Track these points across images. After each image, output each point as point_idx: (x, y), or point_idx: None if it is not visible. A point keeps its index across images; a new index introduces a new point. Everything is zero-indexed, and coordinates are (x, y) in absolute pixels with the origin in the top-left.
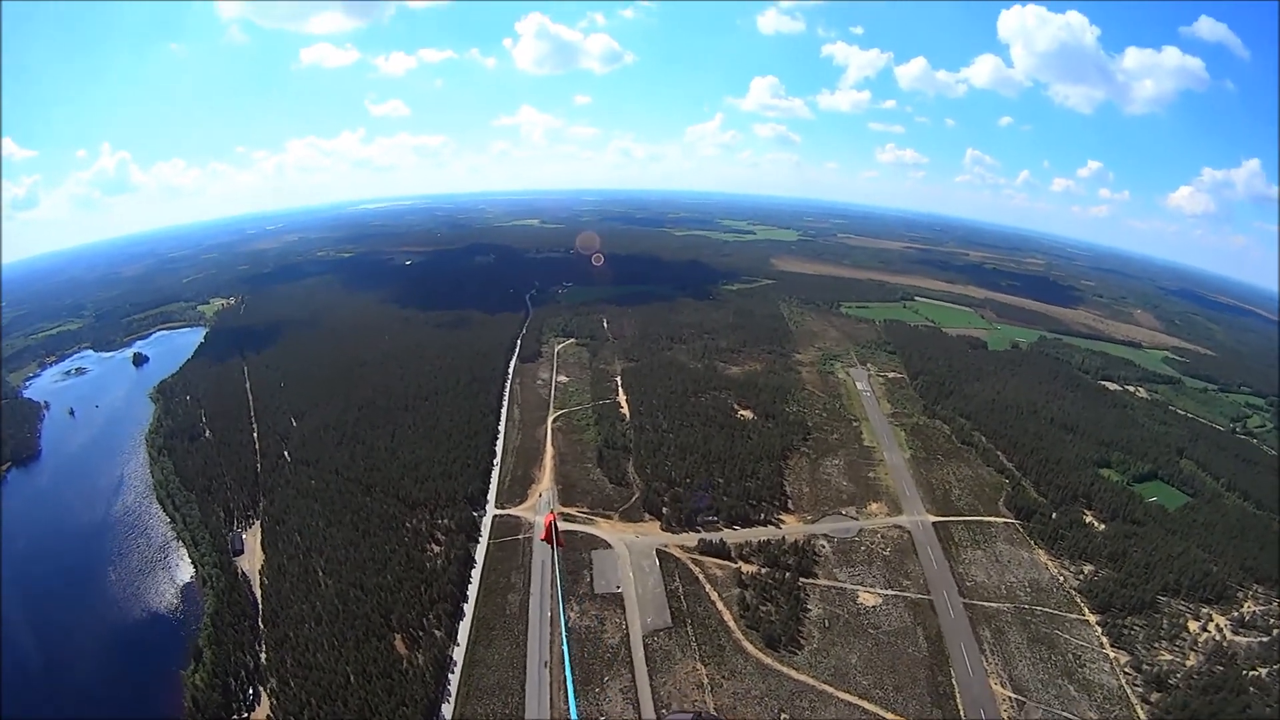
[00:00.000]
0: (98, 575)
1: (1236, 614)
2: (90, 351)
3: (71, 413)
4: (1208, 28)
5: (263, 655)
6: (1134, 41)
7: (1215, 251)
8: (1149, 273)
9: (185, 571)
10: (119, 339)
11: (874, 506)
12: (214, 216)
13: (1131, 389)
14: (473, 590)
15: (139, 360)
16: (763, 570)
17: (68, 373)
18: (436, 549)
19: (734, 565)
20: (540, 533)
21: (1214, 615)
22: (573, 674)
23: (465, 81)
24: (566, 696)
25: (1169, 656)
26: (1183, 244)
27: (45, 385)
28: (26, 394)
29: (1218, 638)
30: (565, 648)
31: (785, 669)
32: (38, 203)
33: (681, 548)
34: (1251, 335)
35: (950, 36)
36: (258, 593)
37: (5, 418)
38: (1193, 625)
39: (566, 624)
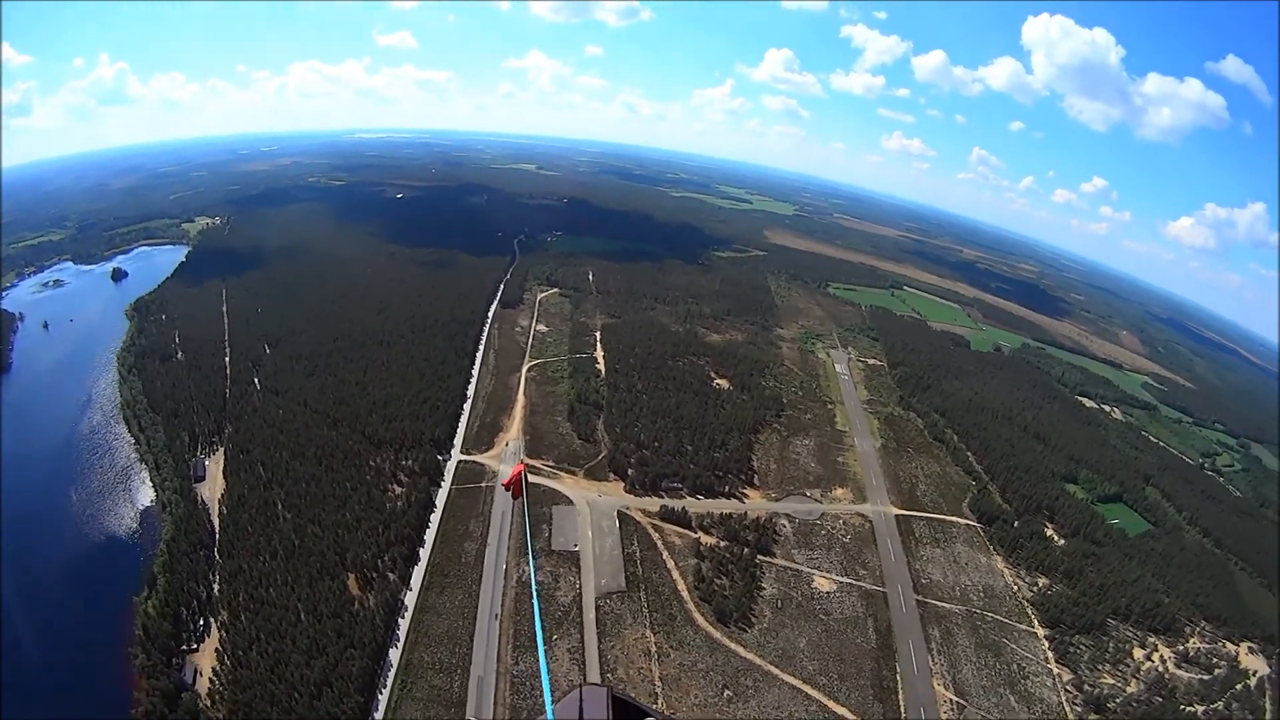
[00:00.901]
0: (58, 495)
1: (1182, 647)
2: (70, 264)
3: (45, 326)
4: (1234, 68)
5: (216, 586)
6: (1158, 68)
7: (1208, 286)
8: (1140, 296)
9: (146, 495)
10: (100, 253)
11: (839, 491)
12: (210, 133)
13: (1107, 408)
14: (430, 535)
15: (118, 276)
16: (722, 543)
17: (46, 284)
18: (398, 490)
19: (694, 535)
20: (505, 479)
21: (1159, 646)
22: (530, 631)
23: (477, 19)
24: (529, 653)
25: (1111, 680)
26: (1177, 273)
27: (22, 296)
28: (3, 305)
29: (1160, 668)
30: (536, 603)
31: (733, 645)
32: (31, 110)
33: (643, 511)
34: (1232, 374)
35: (973, 35)
36: (216, 522)
37: None
38: (1138, 653)
39: (537, 583)
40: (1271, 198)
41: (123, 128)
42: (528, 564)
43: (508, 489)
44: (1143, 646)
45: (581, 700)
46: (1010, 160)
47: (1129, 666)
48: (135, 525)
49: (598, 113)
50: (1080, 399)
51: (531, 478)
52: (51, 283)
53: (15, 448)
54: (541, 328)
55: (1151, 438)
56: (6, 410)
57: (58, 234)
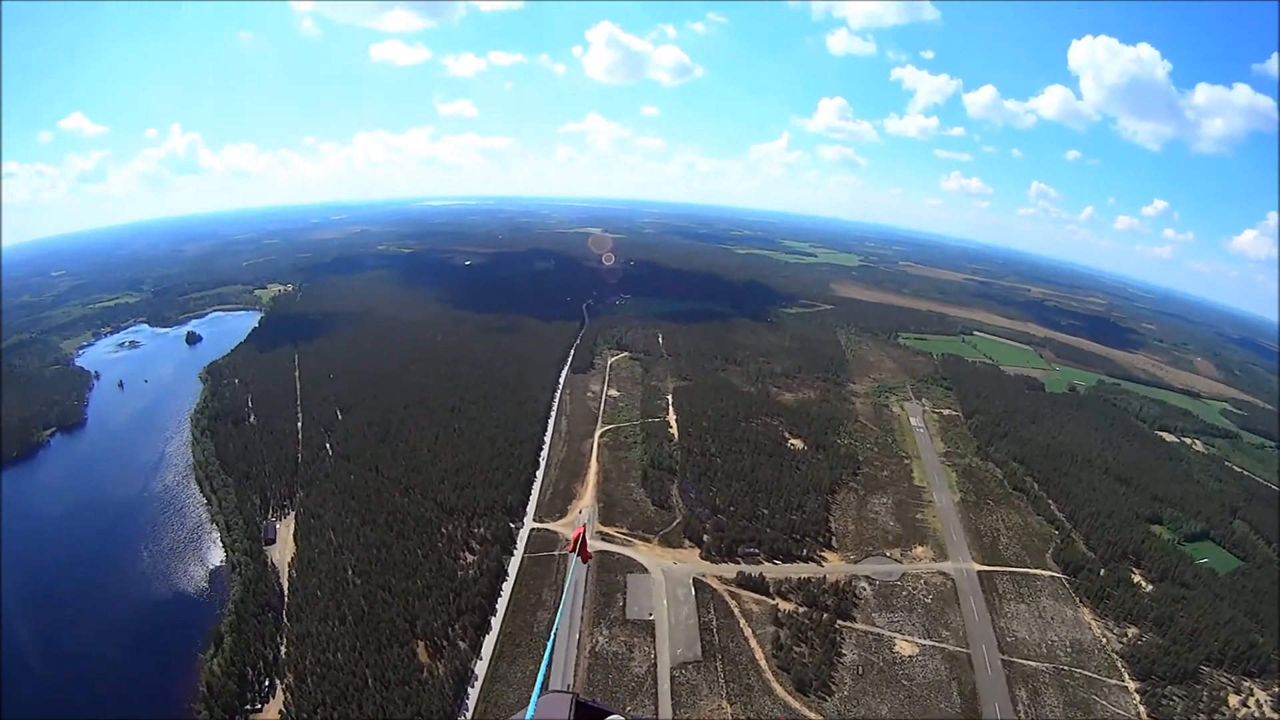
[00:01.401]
0: (130, 549)
1: (1277, 689)
2: (146, 326)
3: (120, 385)
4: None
5: (283, 649)
6: (1205, 78)
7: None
8: (1210, 318)
9: (216, 555)
10: (175, 316)
11: (919, 550)
12: (281, 202)
13: (1188, 441)
14: (502, 604)
15: (192, 339)
16: (800, 609)
17: (121, 345)
18: (470, 558)
19: (771, 601)
20: (569, 545)
21: (1255, 690)
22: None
23: (534, 86)
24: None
25: None
26: (1244, 289)
27: (98, 355)
28: (79, 362)
29: (1257, 714)
30: (556, 622)
31: (813, 715)
32: (106, 176)
33: (719, 578)
34: None
35: (1021, 65)
36: (285, 584)
37: (56, 384)
38: (1233, 699)
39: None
40: None
41: (195, 196)
42: (601, 634)
43: (571, 551)
44: (1238, 692)
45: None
46: (1069, 190)
47: (1224, 715)
48: (204, 584)
49: (657, 172)
50: (1160, 433)
51: (606, 545)
52: (128, 343)
53: (88, 500)
54: (613, 392)
55: (1235, 467)
56: (81, 463)
57: (133, 296)
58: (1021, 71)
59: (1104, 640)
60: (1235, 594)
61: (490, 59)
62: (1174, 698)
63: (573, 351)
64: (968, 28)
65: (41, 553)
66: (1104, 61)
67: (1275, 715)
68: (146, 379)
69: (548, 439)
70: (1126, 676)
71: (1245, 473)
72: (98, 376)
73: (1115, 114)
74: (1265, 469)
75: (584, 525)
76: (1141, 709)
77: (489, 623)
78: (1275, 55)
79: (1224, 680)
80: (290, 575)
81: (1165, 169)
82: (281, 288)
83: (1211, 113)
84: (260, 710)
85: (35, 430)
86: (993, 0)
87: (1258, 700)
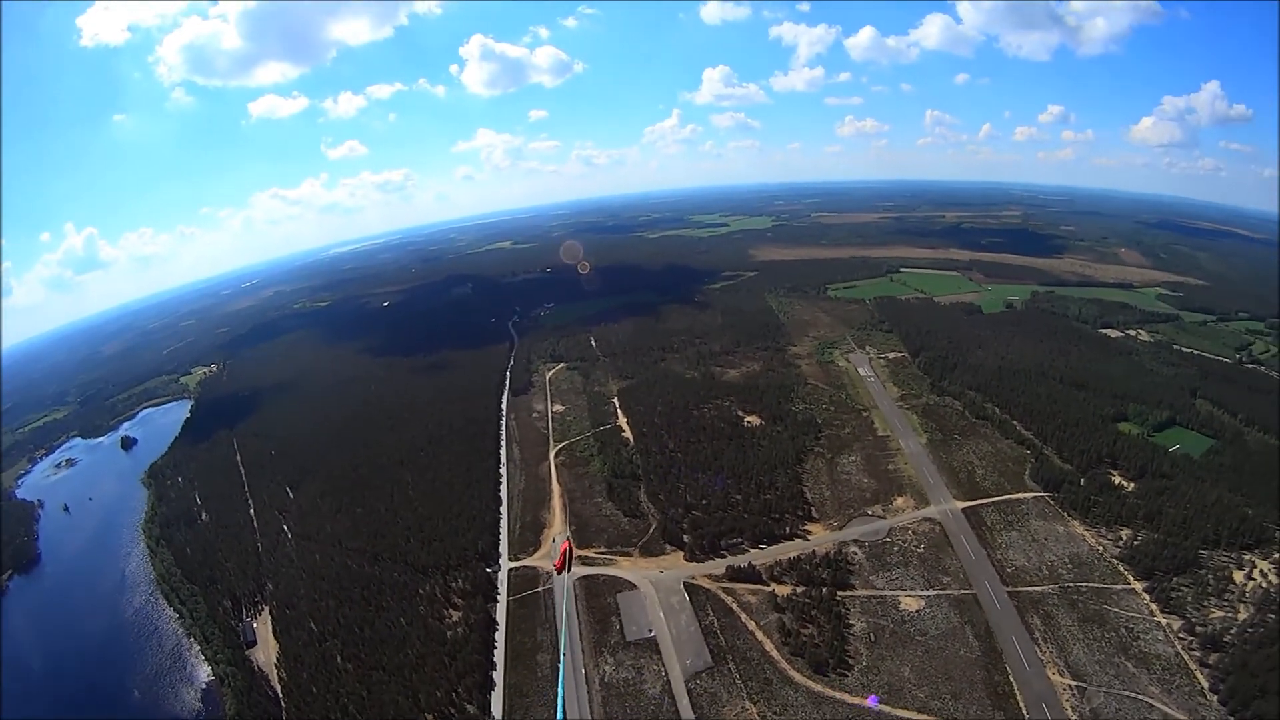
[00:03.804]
0: (114, 685)
1: (1278, 556)
2: (79, 439)
3: (66, 509)
4: None
5: None
6: None
7: (1185, 177)
8: (1126, 209)
9: (202, 670)
10: (106, 423)
11: (899, 501)
12: (190, 279)
13: (1133, 333)
14: (499, 655)
15: (127, 444)
16: (798, 590)
17: (58, 465)
18: (455, 615)
19: (767, 589)
20: (557, 561)
21: (1256, 561)
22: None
23: (418, 112)
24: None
25: (1220, 614)
26: (1152, 175)
27: (37, 482)
28: (19, 494)
29: (1264, 585)
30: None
31: (838, 694)
32: (10, 291)
33: (709, 577)
34: (1236, 259)
35: (896, 1)
36: (277, 687)
37: (2, 522)
38: (1238, 575)
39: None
40: (1224, 73)
41: (103, 292)
42: (606, 662)
43: (560, 571)
44: (1240, 567)
45: None
46: (963, 114)
47: (1233, 593)
48: (199, 705)
49: (557, 174)
50: (1104, 332)
51: (587, 569)
52: (64, 463)
53: (62, 642)
54: (558, 408)
55: (1184, 349)
56: (43, 604)
57: (61, 411)
58: (898, 7)
59: (1100, 549)
60: (1215, 473)
61: (369, 93)
62: (1182, 588)
63: (509, 373)
64: None
65: (27, 705)
66: None
67: None
68: (91, 497)
69: (503, 471)
70: (1131, 579)
71: (1195, 352)
72: (42, 505)
73: (997, 32)
74: (1213, 344)
75: (568, 540)
76: (1154, 606)
77: (491, 679)
78: None
79: (1224, 559)
80: (281, 676)
81: (1055, 76)
82: (206, 370)
83: (1093, 14)
84: None
85: None
86: None
87: (1261, 570)
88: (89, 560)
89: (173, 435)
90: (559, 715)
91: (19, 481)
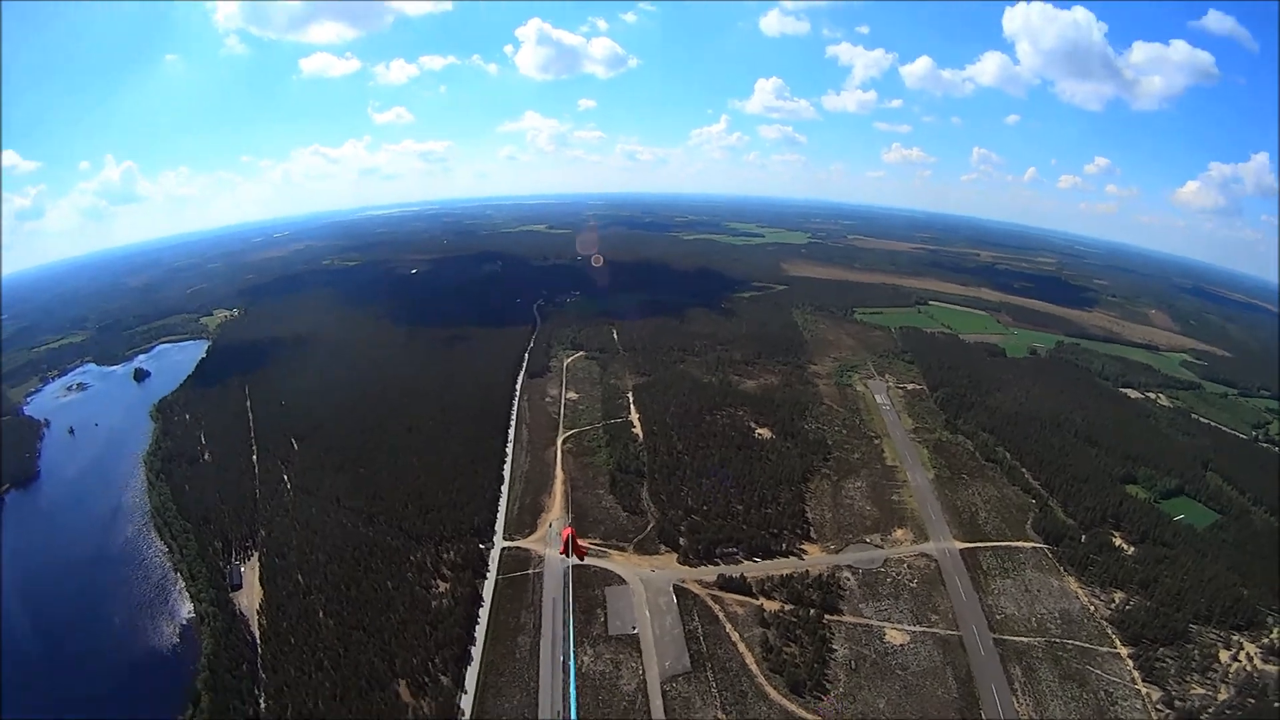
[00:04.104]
0: (95, 610)
1: (1266, 641)
2: (93, 365)
3: (71, 431)
4: (1216, 21)
5: (262, 702)
6: (1142, 36)
7: (1224, 245)
8: (1160, 269)
9: (184, 607)
10: (121, 353)
11: (899, 533)
12: (223, 224)
13: (1152, 395)
14: (480, 632)
15: (140, 376)
16: (786, 607)
17: (69, 388)
18: (442, 586)
19: (756, 602)
20: (561, 547)
21: (1244, 643)
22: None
23: (468, 88)
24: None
25: (1201, 690)
26: (1191, 238)
27: (46, 402)
28: (27, 411)
29: (1249, 668)
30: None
31: (810, 717)
32: (43, 214)
33: (700, 583)
34: (1265, 333)
35: (955, 34)
36: (257, 633)
37: (6, 436)
38: (1224, 655)
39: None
40: (1272, 145)
41: (135, 225)
42: (585, 653)
43: (566, 555)
44: (1228, 647)
45: None
46: (1010, 154)
47: (1217, 672)
48: (177, 640)
49: (598, 165)
50: (1124, 390)
51: (580, 560)
52: (75, 386)
53: (47, 561)
54: (572, 395)
55: (1201, 418)
56: (37, 520)
57: (78, 336)
58: (957, 41)
59: (1092, 608)
60: (1216, 548)
61: (422, 64)
62: (1166, 659)
63: (527, 355)
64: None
65: (6, 622)
66: (1039, 26)
67: (1266, 667)
68: (97, 423)
69: (509, 451)
70: (1118, 643)
71: (1212, 423)
72: (48, 425)
73: (1053, 77)
74: (1231, 418)
75: (570, 525)
76: (1136, 674)
77: (469, 653)
78: (1211, 10)
79: (1214, 637)
80: (261, 623)
81: (1106, 127)
82: (227, 313)
83: (1150, 70)
84: None
85: None
86: None
87: (1248, 653)
88: (87, 483)
89: (186, 373)
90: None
91: (28, 399)
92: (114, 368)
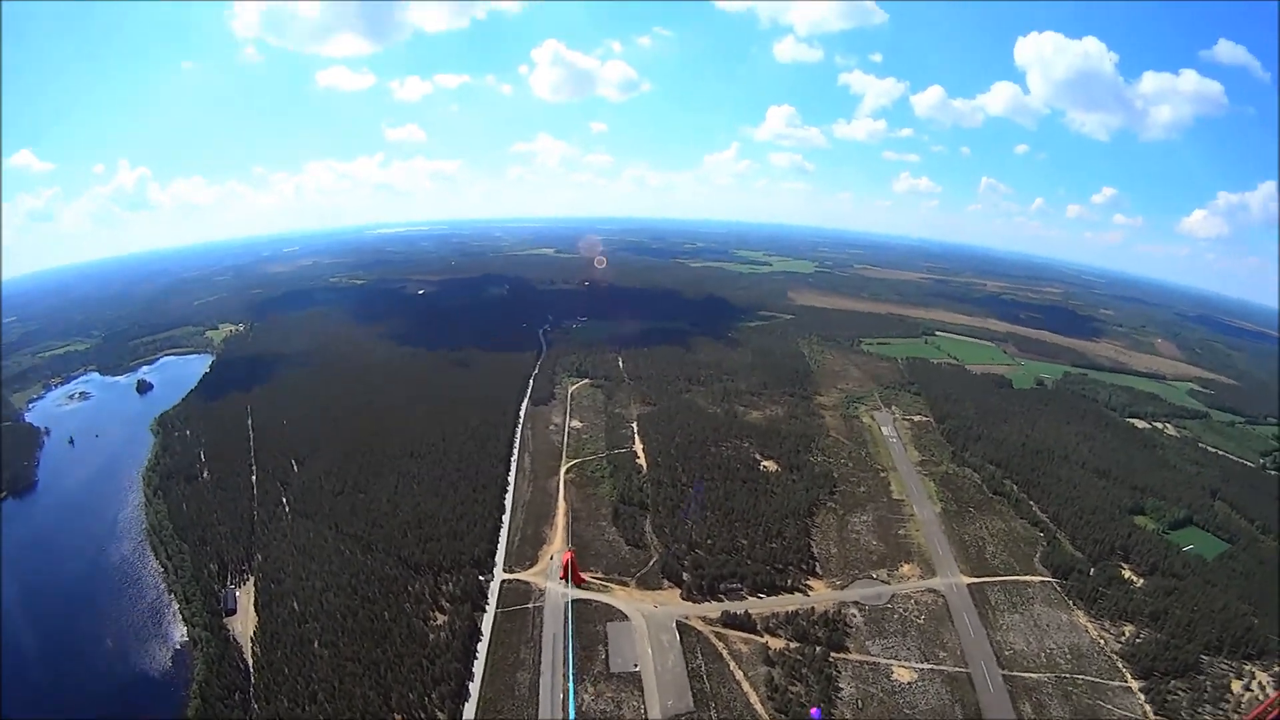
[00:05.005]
0: (90, 631)
1: (1278, 669)
2: (96, 374)
3: (71, 441)
4: (1227, 51)
5: None
6: (1152, 66)
7: (1229, 274)
8: (1166, 299)
9: (177, 630)
10: (125, 363)
11: (906, 568)
12: (233, 235)
13: (1160, 425)
14: (479, 667)
15: (143, 388)
16: (791, 645)
17: (71, 396)
18: (440, 619)
19: (760, 639)
20: (560, 573)
21: (1256, 673)
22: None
23: (481, 107)
24: None
25: None
26: (1195, 267)
27: (48, 409)
28: (28, 418)
29: (1261, 698)
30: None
31: None
32: (55, 216)
33: (704, 619)
34: (1270, 360)
35: (967, 64)
36: (250, 661)
37: (6, 443)
38: (1236, 685)
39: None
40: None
41: (146, 232)
42: (586, 691)
43: (566, 580)
44: (1239, 677)
45: None
46: (1018, 184)
47: (1229, 703)
48: (169, 664)
49: (607, 189)
50: (1131, 421)
51: (581, 593)
52: (78, 395)
53: (44, 577)
54: (576, 424)
55: (1209, 448)
56: (32, 532)
57: (83, 343)
58: (969, 70)
59: (1102, 642)
60: (1226, 578)
61: (436, 81)
62: (1178, 692)
63: (532, 382)
64: (915, 29)
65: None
66: (1050, 57)
67: None
68: (98, 434)
69: (511, 479)
70: (1129, 676)
71: (1220, 453)
72: (48, 433)
73: (1063, 107)
74: (1239, 447)
75: (571, 550)
76: (1147, 708)
77: (467, 689)
78: (1222, 40)
79: (1225, 668)
80: (254, 650)
81: (1114, 157)
82: (233, 328)
83: (1159, 100)
84: None
85: None
86: (940, 0)
87: (1260, 683)
88: (84, 496)
89: (189, 387)
90: None
91: (30, 405)
92: (117, 378)
